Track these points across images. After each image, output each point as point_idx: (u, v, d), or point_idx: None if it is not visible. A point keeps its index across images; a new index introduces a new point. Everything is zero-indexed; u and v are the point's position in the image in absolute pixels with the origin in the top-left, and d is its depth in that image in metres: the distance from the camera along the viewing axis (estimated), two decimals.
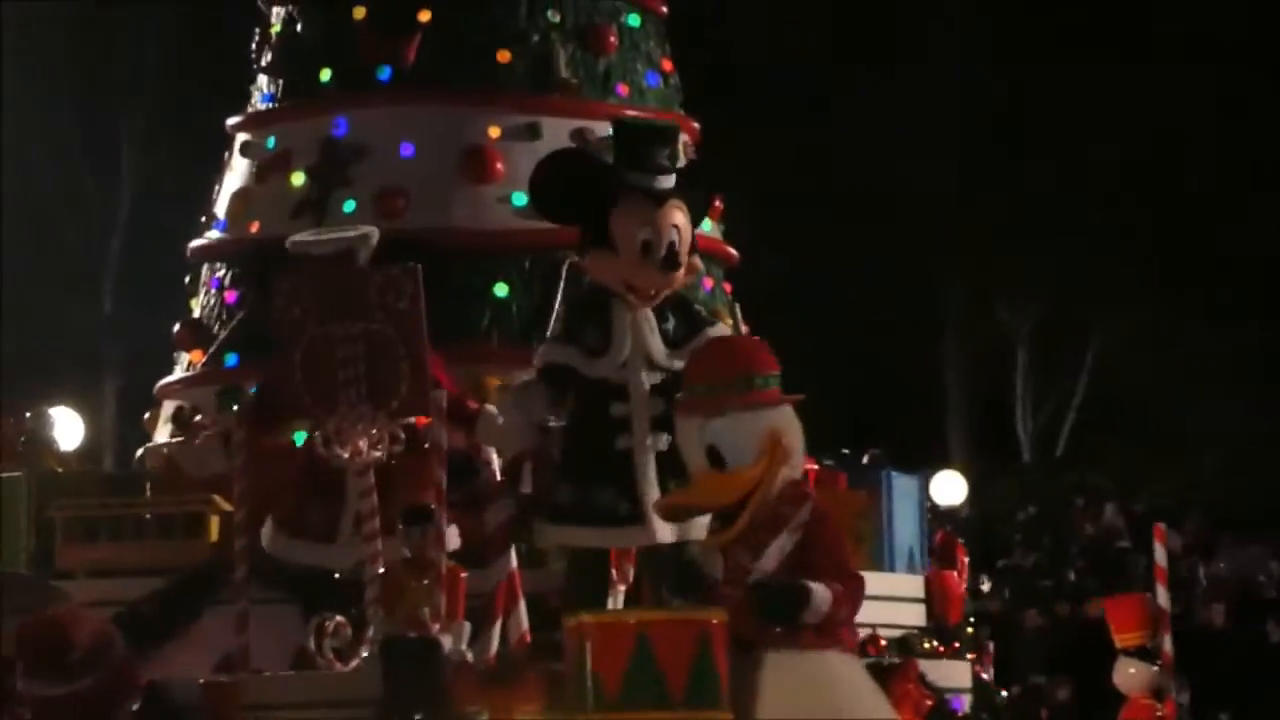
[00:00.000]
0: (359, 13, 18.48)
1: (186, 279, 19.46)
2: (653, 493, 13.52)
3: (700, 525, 13.17)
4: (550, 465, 14.00)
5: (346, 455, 13.35)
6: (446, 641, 12.55)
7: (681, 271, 13.81)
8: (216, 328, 18.61)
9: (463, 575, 13.24)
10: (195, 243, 19.28)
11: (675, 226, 13.68)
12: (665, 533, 13.45)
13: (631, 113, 18.46)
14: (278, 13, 19.31)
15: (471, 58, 18.33)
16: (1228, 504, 33.54)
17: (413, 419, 13.62)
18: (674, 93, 19.19)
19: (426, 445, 13.67)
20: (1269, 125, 41.13)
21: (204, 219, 19.30)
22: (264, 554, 14.55)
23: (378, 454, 13.36)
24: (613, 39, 18.66)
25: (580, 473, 13.74)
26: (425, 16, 18.31)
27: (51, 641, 5.12)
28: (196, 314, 18.94)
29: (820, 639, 11.81)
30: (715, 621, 11.32)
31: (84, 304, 38.46)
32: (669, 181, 13.82)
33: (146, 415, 19.35)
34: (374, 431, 13.27)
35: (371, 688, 12.28)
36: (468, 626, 12.90)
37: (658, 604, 13.26)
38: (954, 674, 15.72)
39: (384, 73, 18.30)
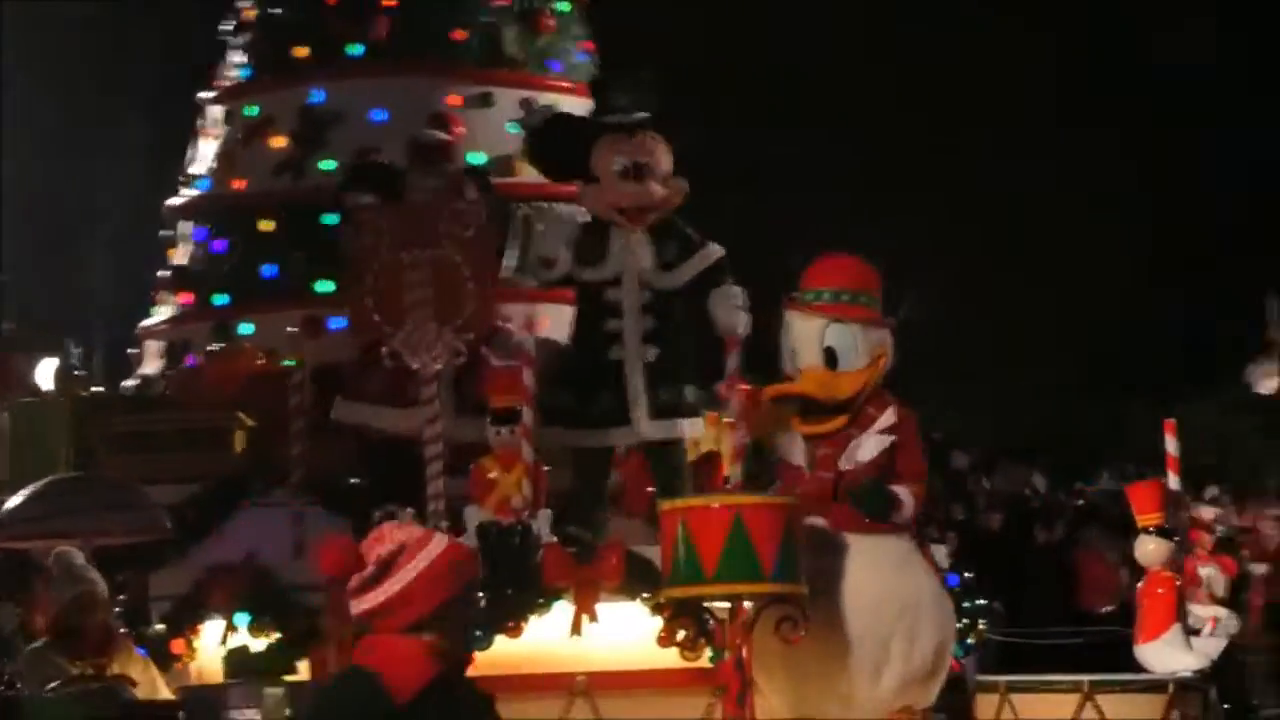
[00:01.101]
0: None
1: (163, 231, 19.42)
2: (640, 399, 13.83)
3: (690, 424, 13.53)
4: (553, 375, 14.17)
5: (415, 366, 13.36)
6: (535, 526, 12.66)
7: (646, 194, 14.03)
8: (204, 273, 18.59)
9: (545, 469, 13.29)
10: (174, 201, 19.28)
11: (647, 151, 14.08)
12: (653, 430, 13.78)
13: (565, 84, 18.88)
14: (248, 1, 19.37)
15: (432, 36, 18.53)
16: (1004, 432, 34.02)
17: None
18: (595, 69, 19.43)
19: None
20: None
21: (182, 180, 19.26)
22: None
23: (439, 366, 13.39)
24: (549, 21, 18.95)
25: (578, 381, 14.03)
26: (391, 1, 18.44)
27: None
28: (183, 262, 18.91)
29: (894, 528, 12.11)
30: (797, 505, 11.60)
31: None
32: (639, 116, 14.22)
33: (132, 350, 19.29)
34: (439, 346, 13.29)
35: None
36: (550, 514, 12.95)
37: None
38: None
39: (356, 49, 18.40)
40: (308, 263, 17.75)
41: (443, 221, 13.48)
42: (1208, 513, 18.14)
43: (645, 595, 12.32)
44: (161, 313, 19.05)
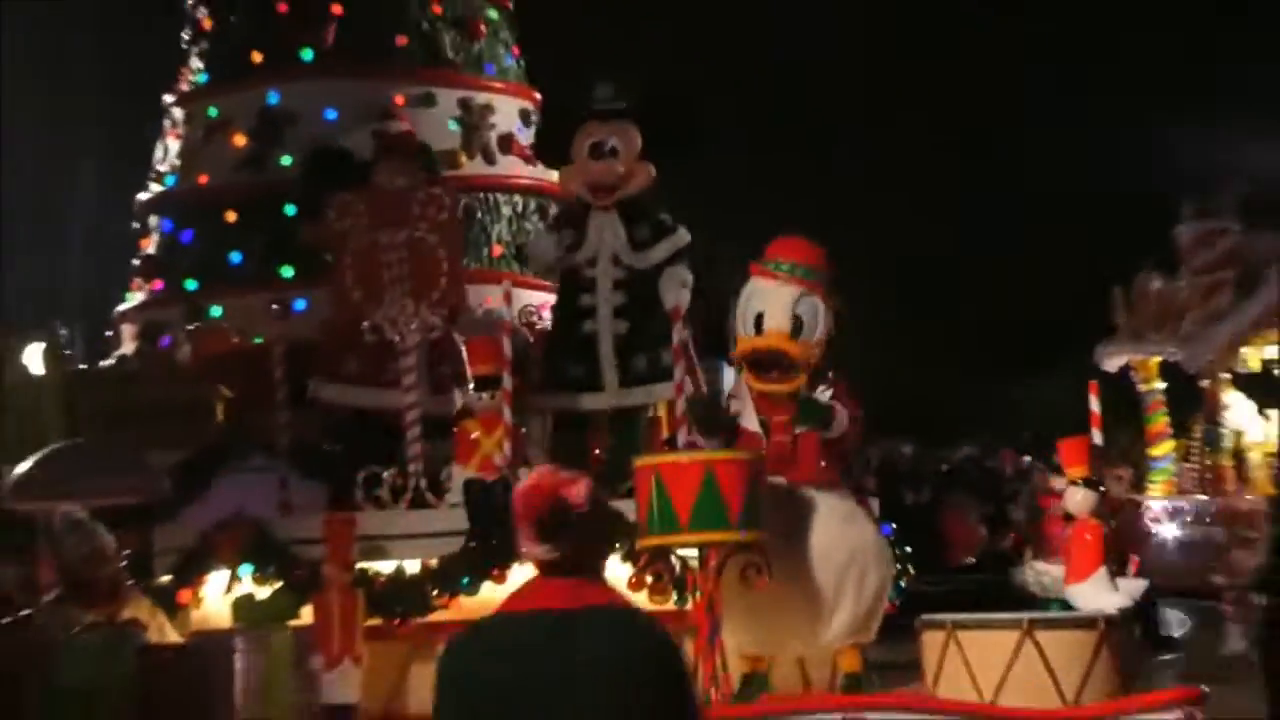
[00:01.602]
0: (282, 7, 18.30)
1: (134, 225, 19.13)
2: (610, 368, 13.72)
3: (661, 389, 13.41)
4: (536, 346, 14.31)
5: (394, 339, 13.13)
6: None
7: (611, 171, 13.92)
8: (174, 261, 18.32)
9: (522, 430, 13.12)
10: (143, 196, 18.99)
11: (614, 135, 13.92)
12: (621, 397, 13.64)
13: (498, 85, 18.70)
14: (204, 11, 19.06)
15: (377, 41, 18.31)
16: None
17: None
18: (523, 71, 19.23)
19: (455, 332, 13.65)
20: None
21: (151, 177, 18.97)
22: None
23: (416, 339, 13.16)
24: (482, 28, 18.76)
25: (555, 352, 13.86)
26: (338, 9, 18.19)
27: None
28: (153, 252, 18.63)
29: (840, 484, 12.02)
30: (760, 460, 11.42)
31: None
32: (610, 106, 14.12)
33: (109, 333, 18.99)
34: (416, 320, 13.06)
35: (459, 521, 12.16)
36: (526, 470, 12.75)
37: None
38: None
39: (307, 54, 18.14)
40: (270, 249, 17.55)
41: (417, 205, 13.21)
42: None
43: (617, 544, 12.01)
44: (135, 299, 18.75)
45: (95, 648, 11.48)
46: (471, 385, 13.14)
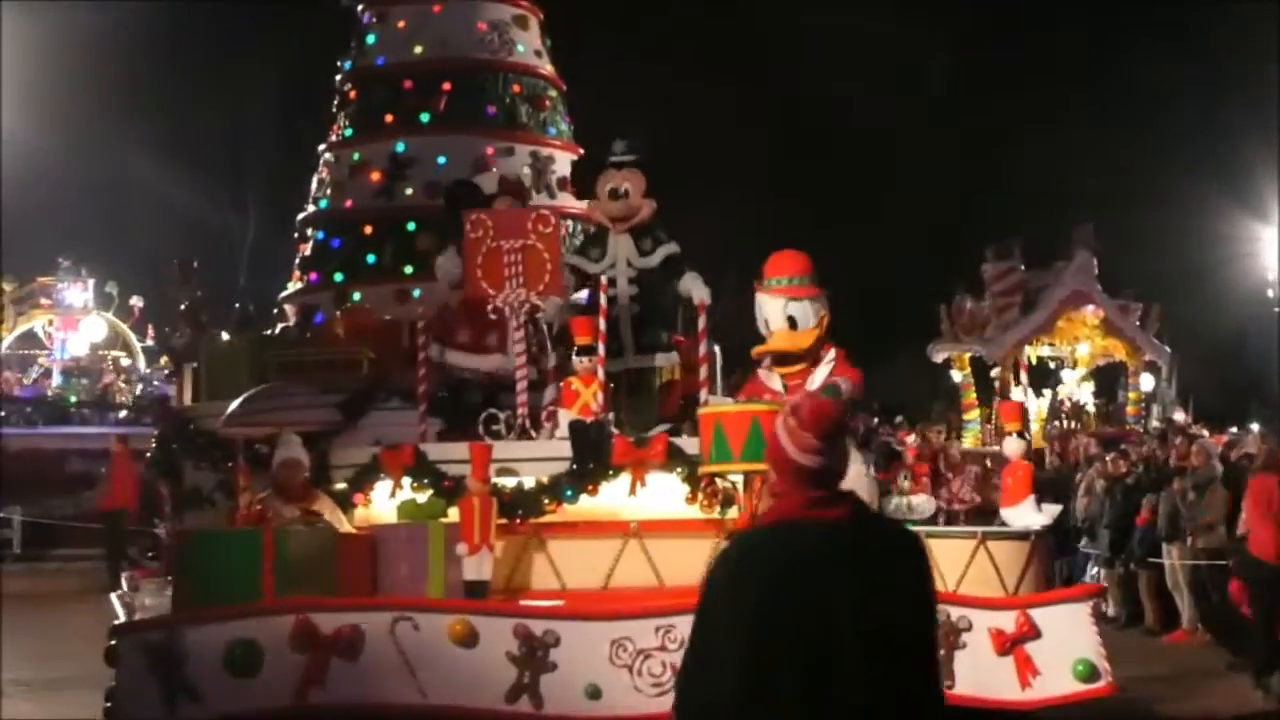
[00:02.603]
0: (407, 84, 17.50)
1: (295, 235, 18.28)
2: (628, 341, 13.15)
3: (663, 357, 13.14)
4: None
5: (510, 319, 12.34)
6: (606, 422, 11.70)
7: (626, 207, 13.30)
8: (325, 260, 17.49)
9: (611, 386, 12.33)
10: (303, 215, 18.15)
11: (626, 180, 13.33)
12: (636, 361, 13.21)
13: (557, 143, 17.95)
14: (349, 86, 18.23)
15: (474, 109, 17.52)
16: None
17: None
18: (571, 134, 18.44)
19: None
20: None
21: (310, 202, 18.13)
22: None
23: (525, 315, 12.37)
24: (546, 103, 17.98)
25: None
26: (447, 86, 17.38)
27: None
28: (308, 254, 17.78)
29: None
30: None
31: None
32: (624, 158, 13.51)
33: (275, 310, 18.16)
34: (528, 304, 12.25)
35: (563, 450, 11.38)
36: (612, 415, 11.98)
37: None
38: None
39: (424, 117, 17.32)
40: (396, 254, 16.86)
41: (529, 221, 12.36)
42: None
43: (679, 470, 11.28)
44: (295, 287, 17.89)
45: (304, 533, 10.75)
46: (575, 351, 12.29)
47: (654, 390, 13.39)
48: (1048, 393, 33.16)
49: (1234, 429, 26.62)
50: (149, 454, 16.52)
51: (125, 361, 37.00)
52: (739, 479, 10.78)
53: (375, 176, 17.25)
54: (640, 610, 9.98)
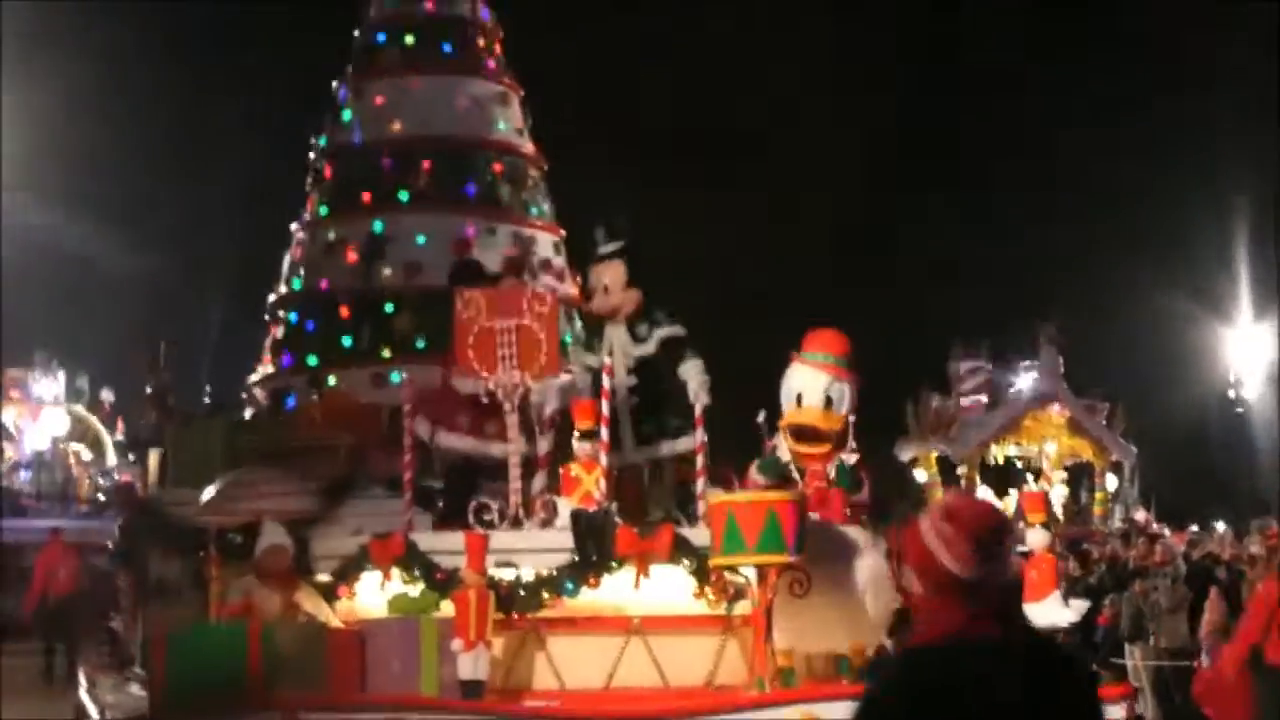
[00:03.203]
0: (386, 161, 17.09)
1: (265, 317, 17.77)
2: (627, 432, 12.51)
3: (676, 444, 12.33)
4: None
5: (504, 402, 11.83)
6: (610, 511, 11.20)
7: (605, 302, 12.77)
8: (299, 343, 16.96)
9: (613, 473, 11.81)
10: (274, 296, 17.64)
11: (606, 274, 12.82)
12: (638, 454, 12.58)
13: (540, 222, 17.57)
14: (322, 163, 17.80)
15: (454, 188, 17.10)
16: None
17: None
18: (553, 215, 18.08)
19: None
20: None
21: (282, 282, 17.64)
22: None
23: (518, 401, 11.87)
24: (529, 182, 17.61)
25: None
26: (426, 164, 16.99)
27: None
28: (281, 337, 17.26)
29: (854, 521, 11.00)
30: (805, 500, 10.39)
31: None
32: (606, 248, 12.94)
33: (244, 395, 17.63)
34: (521, 387, 11.75)
35: (563, 540, 10.86)
36: (614, 504, 11.46)
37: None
38: None
39: (403, 195, 16.89)
40: (373, 336, 16.36)
41: (525, 300, 11.89)
42: None
43: (685, 562, 10.77)
44: (267, 371, 17.37)
45: (294, 627, 10.20)
46: (576, 436, 11.77)
47: (670, 480, 12.91)
48: (1014, 493, 33.23)
49: (1195, 527, 26.55)
50: (111, 543, 15.94)
51: (87, 456, 36.42)
52: (751, 572, 10.23)
53: (352, 256, 16.84)
54: (655, 712, 9.47)
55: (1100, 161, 43.13)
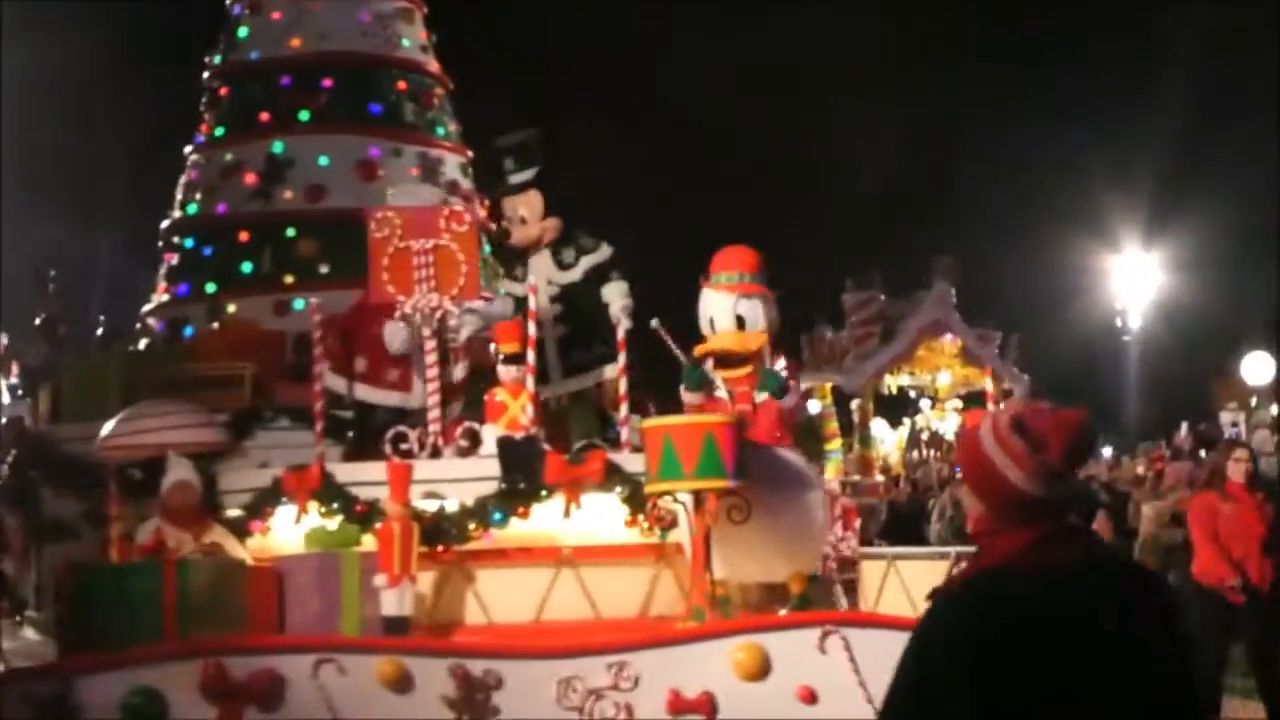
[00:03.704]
0: (285, 80, 16.45)
1: (159, 243, 17.05)
2: (554, 364, 12.40)
3: (607, 370, 12.16)
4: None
5: (420, 323, 11.39)
6: (538, 438, 10.79)
7: (524, 235, 12.58)
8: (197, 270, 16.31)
9: (541, 397, 11.40)
10: (168, 222, 16.94)
11: (522, 206, 12.64)
12: (566, 385, 12.42)
13: (447, 144, 16.97)
14: (217, 83, 17.12)
15: (357, 107, 16.50)
16: None
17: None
18: (459, 136, 17.49)
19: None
20: None
21: (176, 207, 16.93)
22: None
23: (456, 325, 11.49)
24: (435, 102, 17.04)
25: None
26: (328, 82, 16.37)
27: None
28: (176, 263, 16.60)
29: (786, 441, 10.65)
30: (743, 422, 10.08)
31: None
32: (519, 178, 12.79)
33: (138, 325, 16.92)
34: (441, 310, 11.32)
35: (493, 469, 10.45)
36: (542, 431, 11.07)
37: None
38: None
39: (305, 115, 16.27)
40: (274, 262, 15.76)
41: (442, 219, 11.43)
42: None
43: (619, 489, 10.42)
44: (162, 300, 16.67)
45: (210, 566, 9.72)
46: (500, 359, 11.33)
47: (593, 407, 12.56)
48: (908, 423, 33.56)
49: None
50: None
51: None
52: (688, 499, 9.88)
53: (251, 179, 16.15)
54: (590, 646, 9.11)
55: (992, 94, 43.21)
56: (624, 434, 11.28)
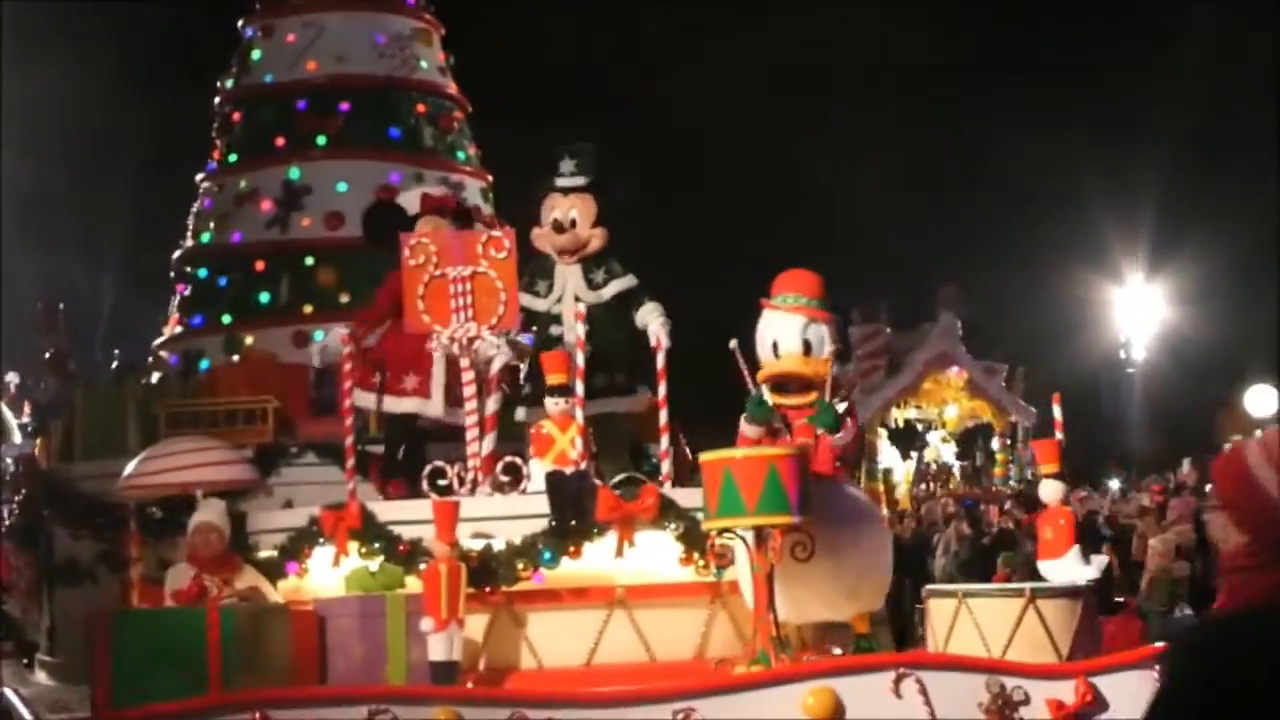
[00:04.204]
0: (300, 104, 16.08)
1: (172, 274, 16.67)
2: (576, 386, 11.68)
3: (625, 401, 11.76)
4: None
5: (459, 355, 10.97)
6: (588, 472, 10.38)
7: (574, 239, 11.86)
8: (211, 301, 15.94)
9: (589, 430, 10.93)
10: (181, 252, 16.56)
11: (574, 208, 11.89)
12: (587, 408, 11.65)
13: (468, 168, 16.62)
14: (229, 108, 16.74)
15: (373, 134, 16.12)
16: None
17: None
18: (479, 161, 17.13)
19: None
20: None
21: (190, 235, 16.55)
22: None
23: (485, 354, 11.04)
24: (454, 125, 16.66)
25: (535, 374, 11.76)
26: (345, 105, 15.99)
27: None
28: (190, 294, 16.22)
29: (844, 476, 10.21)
30: (807, 454, 9.56)
31: None
32: (575, 181, 11.98)
33: (150, 359, 16.55)
34: (480, 340, 10.91)
35: (542, 506, 10.03)
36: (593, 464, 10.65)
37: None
38: None
39: (321, 140, 15.89)
40: (293, 291, 15.38)
41: (480, 245, 11.00)
42: None
43: (674, 526, 9.99)
44: (175, 332, 16.28)
45: (255, 612, 9.31)
46: (547, 391, 10.89)
47: (623, 437, 12.11)
48: (915, 455, 33.45)
49: (1084, 491, 26.95)
50: (7, 520, 14.83)
51: None
52: (749, 535, 9.44)
53: (267, 206, 15.80)
54: (655, 693, 8.66)
55: (997, 126, 43.01)
56: (664, 467, 10.88)
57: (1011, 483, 30.43)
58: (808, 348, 10.41)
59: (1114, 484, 30.45)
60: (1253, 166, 40.88)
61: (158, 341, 16.45)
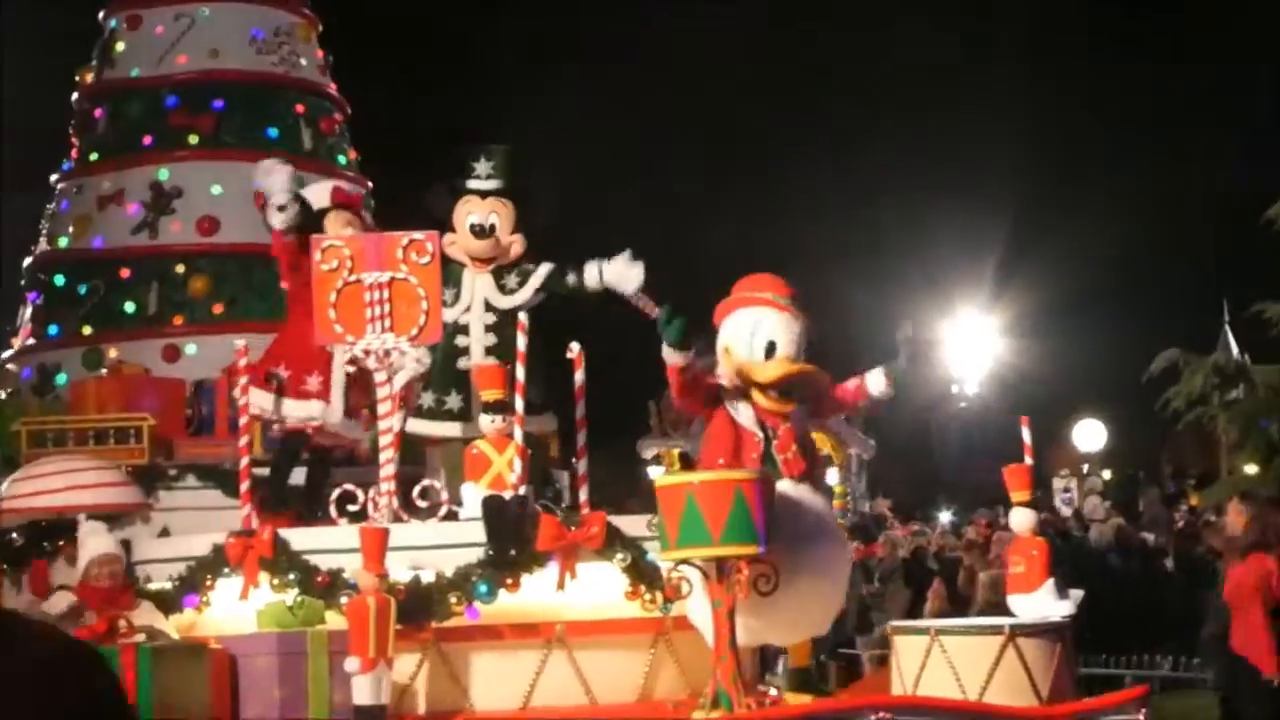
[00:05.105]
0: (170, 101, 15.13)
1: (21, 281, 15.59)
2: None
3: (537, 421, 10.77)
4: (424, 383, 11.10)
5: (375, 368, 10.14)
6: (529, 497, 9.59)
7: (494, 245, 11.06)
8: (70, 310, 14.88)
9: (529, 452, 10.11)
10: (32, 257, 15.50)
11: (493, 212, 11.07)
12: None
13: (349, 173, 15.77)
14: (89, 105, 15.74)
15: (250, 131, 15.23)
16: None
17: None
18: (358, 165, 16.31)
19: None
20: None
21: (45, 239, 15.48)
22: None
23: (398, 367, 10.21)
24: (335, 127, 15.82)
25: (438, 386, 10.99)
26: (219, 103, 15.09)
27: None
28: (43, 303, 15.16)
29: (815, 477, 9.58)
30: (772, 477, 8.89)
31: None
32: (491, 184, 11.20)
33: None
34: (395, 353, 10.10)
35: (477, 534, 9.27)
36: (530, 488, 9.83)
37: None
38: None
39: (193, 139, 14.96)
40: (161, 302, 14.40)
41: (401, 248, 10.20)
42: None
43: (620, 557, 9.27)
44: (26, 343, 15.19)
45: (173, 652, 8.47)
46: (483, 407, 10.09)
47: (535, 461, 11.31)
48: None
49: (916, 524, 27.18)
50: None
51: None
52: (710, 567, 8.74)
53: (133, 209, 14.81)
54: None
55: (837, 156, 43.08)
56: (582, 494, 10.16)
57: (850, 515, 30.28)
58: (770, 349, 9.74)
59: (944, 517, 30.61)
60: (1086, 201, 41.46)
61: (6, 354, 15.35)
